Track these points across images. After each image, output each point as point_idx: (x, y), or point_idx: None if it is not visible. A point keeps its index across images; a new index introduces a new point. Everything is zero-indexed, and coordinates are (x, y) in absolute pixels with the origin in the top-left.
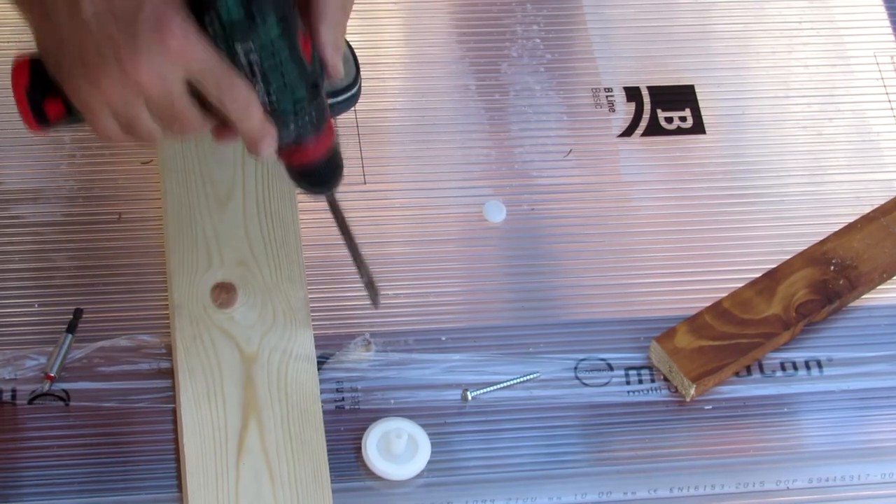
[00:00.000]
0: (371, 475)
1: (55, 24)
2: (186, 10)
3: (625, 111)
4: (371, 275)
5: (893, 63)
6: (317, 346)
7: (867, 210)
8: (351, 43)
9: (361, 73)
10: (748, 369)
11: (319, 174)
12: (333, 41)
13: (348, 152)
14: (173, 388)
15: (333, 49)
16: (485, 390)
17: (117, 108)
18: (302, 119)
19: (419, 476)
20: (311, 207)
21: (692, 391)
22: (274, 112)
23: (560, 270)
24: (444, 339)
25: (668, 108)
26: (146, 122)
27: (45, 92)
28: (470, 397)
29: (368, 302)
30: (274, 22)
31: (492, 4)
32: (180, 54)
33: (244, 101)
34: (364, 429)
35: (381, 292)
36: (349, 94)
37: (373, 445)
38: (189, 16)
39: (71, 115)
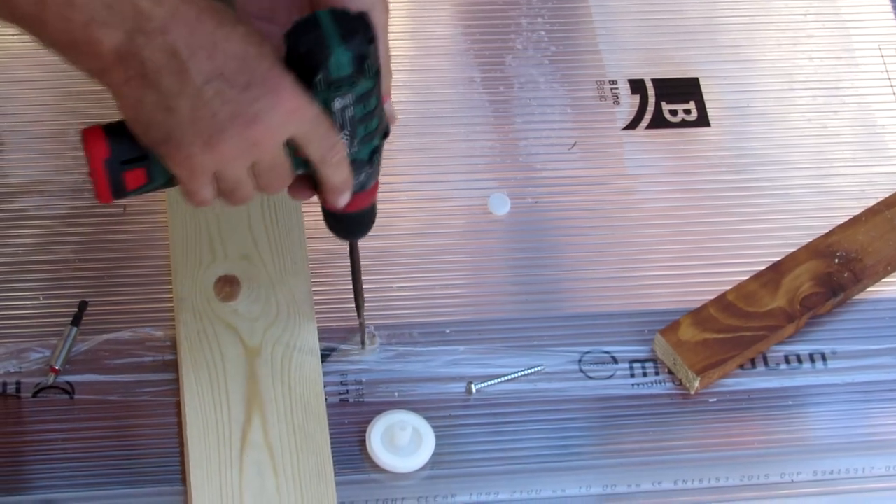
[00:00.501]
0: (375, 468)
1: (162, 95)
2: (282, 63)
3: (629, 104)
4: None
5: None
6: (320, 339)
7: (872, 203)
8: None
9: None
10: (752, 362)
11: (360, 221)
12: (389, 89)
13: None
14: (177, 381)
15: (390, 97)
16: (489, 383)
17: (227, 172)
18: (371, 167)
19: (423, 468)
20: (315, 200)
21: (696, 384)
22: (352, 162)
23: (564, 263)
24: (448, 331)
25: (673, 100)
26: (247, 185)
27: (124, 162)
28: (474, 390)
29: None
30: (373, 74)
31: None
32: (294, 114)
33: (341, 156)
34: (368, 422)
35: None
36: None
37: (377, 438)
38: (284, 67)
39: (151, 182)
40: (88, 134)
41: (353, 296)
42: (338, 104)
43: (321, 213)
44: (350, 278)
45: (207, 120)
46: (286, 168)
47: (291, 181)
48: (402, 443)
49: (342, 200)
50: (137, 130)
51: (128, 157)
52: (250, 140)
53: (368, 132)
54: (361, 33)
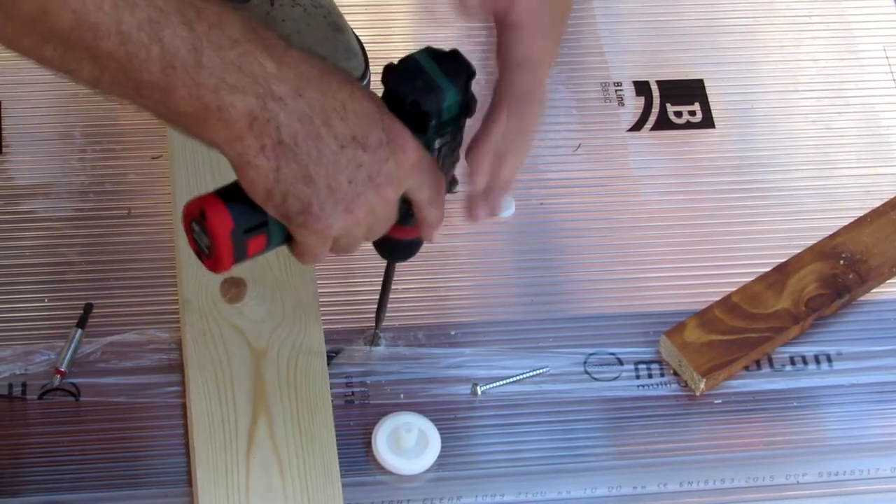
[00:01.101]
0: (381, 469)
1: (298, 163)
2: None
3: (634, 105)
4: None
5: None
6: (326, 341)
7: (877, 204)
8: (361, 37)
9: (371, 67)
10: (758, 363)
11: (412, 247)
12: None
13: None
14: (183, 382)
15: None
16: (494, 385)
17: (354, 232)
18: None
19: (429, 470)
20: None
21: (702, 385)
22: None
23: (569, 265)
24: (453, 333)
25: (678, 102)
26: (360, 240)
27: (246, 231)
28: (479, 392)
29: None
30: (466, 111)
31: None
32: (416, 168)
33: (443, 196)
34: (374, 423)
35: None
36: None
37: (383, 440)
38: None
39: (269, 246)
40: (209, 206)
41: (361, 293)
42: (438, 143)
43: None
44: (359, 275)
45: (345, 187)
46: (395, 217)
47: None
48: (408, 445)
49: (436, 234)
50: (268, 201)
51: (250, 225)
52: (382, 200)
53: (454, 162)
54: (465, 73)
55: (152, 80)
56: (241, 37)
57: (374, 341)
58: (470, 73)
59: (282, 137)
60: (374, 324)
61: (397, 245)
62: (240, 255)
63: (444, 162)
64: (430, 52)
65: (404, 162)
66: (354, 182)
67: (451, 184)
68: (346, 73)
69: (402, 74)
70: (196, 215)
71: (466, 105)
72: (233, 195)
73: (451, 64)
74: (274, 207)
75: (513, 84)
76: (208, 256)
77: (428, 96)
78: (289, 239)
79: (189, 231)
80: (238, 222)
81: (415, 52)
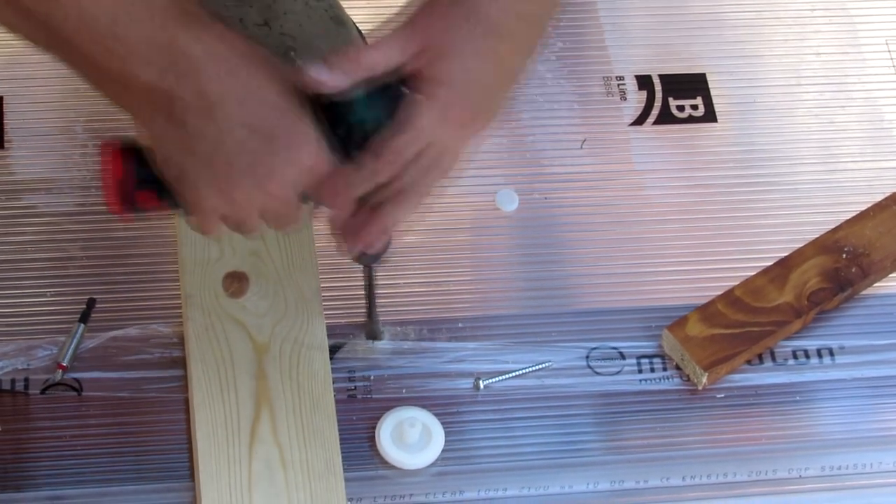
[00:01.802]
0: (384, 464)
1: (186, 134)
2: (313, 119)
3: (636, 99)
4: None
5: None
6: (329, 336)
7: (879, 198)
8: (363, 30)
9: None
10: (760, 357)
11: (374, 255)
12: None
13: None
14: (185, 377)
15: None
16: (497, 379)
17: (236, 215)
18: None
19: (432, 465)
20: None
21: (704, 379)
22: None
23: (572, 259)
24: (456, 327)
25: (680, 96)
26: (255, 222)
27: (137, 182)
28: (482, 386)
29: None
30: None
31: None
32: (312, 170)
33: (343, 205)
34: (377, 417)
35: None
36: None
37: (386, 434)
38: (317, 126)
39: (162, 206)
40: (109, 149)
41: (363, 288)
42: (355, 153)
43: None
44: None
45: (223, 164)
46: (296, 211)
47: (296, 213)
48: (412, 439)
49: (352, 247)
50: (157, 163)
51: (141, 178)
52: (263, 191)
53: None
54: (389, 95)
55: (68, 38)
56: (162, 12)
57: (375, 336)
58: (396, 99)
59: (175, 109)
60: (377, 310)
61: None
62: (131, 205)
63: None
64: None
65: (293, 159)
66: (234, 166)
67: None
68: (270, 64)
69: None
70: (102, 155)
71: (382, 127)
72: (135, 148)
73: (384, 86)
74: (161, 171)
75: (389, 139)
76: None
77: (342, 106)
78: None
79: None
80: (128, 174)
81: None
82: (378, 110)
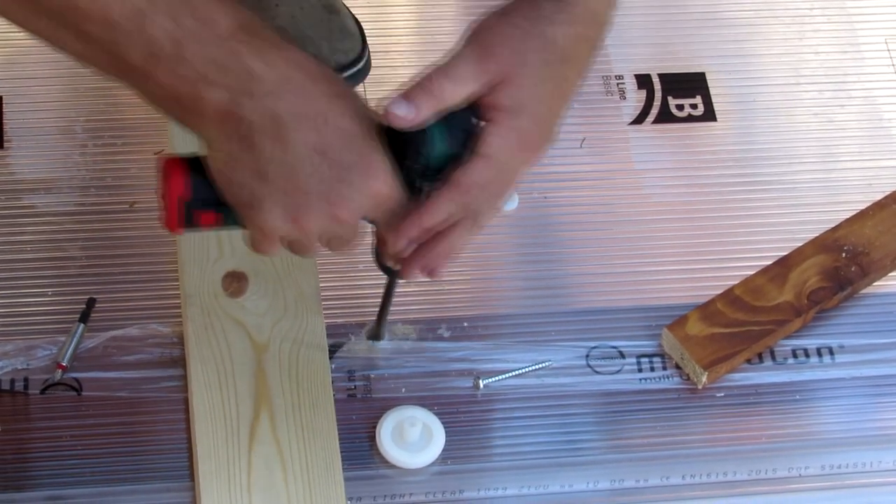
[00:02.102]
0: (384, 463)
1: (258, 158)
2: (385, 150)
3: (636, 98)
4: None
5: None
6: (328, 335)
7: (879, 197)
8: (359, 17)
9: (372, 56)
10: (760, 356)
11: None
12: None
13: None
14: (185, 377)
15: None
16: (497, 378)
17: (302, 241)
18: None
19: (432, 464)
20: None
21: (704, 378)
22: None
23: (572, 258)
24: (455, 326)
25: (679, 95)
26: (314, 246)
27: (198, 200)
28: (482, 385)
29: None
30: (459, 161)
31: None
32: (383, 199)
33: (420, 228)
34: (376, 417)
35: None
36: (357, 67)
37: (387, 434)
38: (388, 156)
39: (223, 225)
40: (171, 167)
41: (363, 287)
42: (425, 188)
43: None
44: (361, 269)
45: (296, 192)
46: (355, 236)
47: (355, 238)
48: (412, 438)
49: (409, 273)
50: (223, 185)
51: (204, 198)
52: (333, 219)
53: None
54: (462, 126)
55: (135, 64)
56: (229, 35)
57: (378, 336)
58: (468, 129)
59: (248, 133)
60: (375, 318)
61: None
62: (188, 223)
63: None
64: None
65: (366, 189)
66: (308, 194)
67: None
68: (343, 88)
69: None
70: (162, 171)
71: (458, 160)
72: (198, 166)
73: (454, 115)
74: (227, 193)
75: (465, 170)
76: (163, 213)
77: (414, 135)
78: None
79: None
80: (192, 193)
81: None
82: (449, 141)
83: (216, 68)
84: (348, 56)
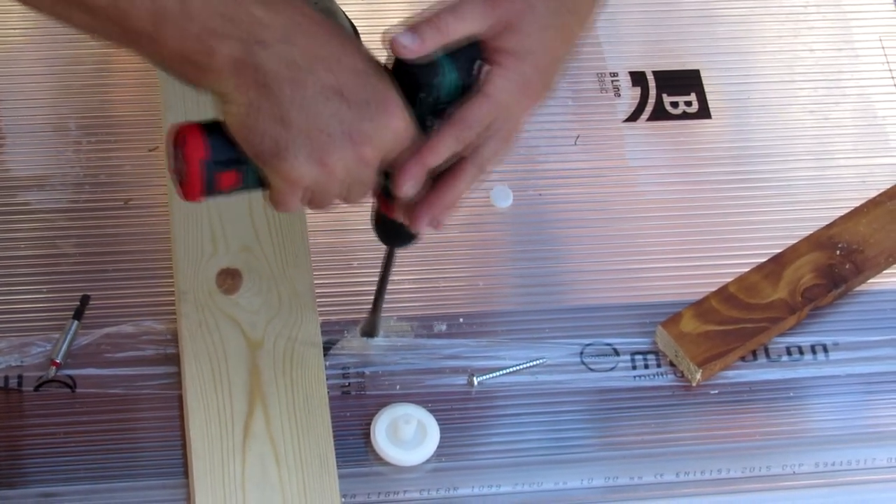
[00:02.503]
0: (378, 460)
1: (279, 104)
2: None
3: (630, 96)
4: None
5: None
6: (322, 332)
7: (873, 194)
8: (354, 22)
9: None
10: (754, 354)
11: (411, 233)
12: None
13: None
14: (179, 374)
15: None
16: (491, 375)
17: (326, 186)
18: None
19: (427, 462)
20: None
21: (698, 376)
22: None
23: (566, 255)
24: (450, 323)
25: (674, 92)
26: (337, 194)
27: (218, 163)
28: (476, 383)
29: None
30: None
31: None
32: (401, 135)
33: (420, 178)
34: (370, 414)
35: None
36: None
37: (382, 431)
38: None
39: (243, 186)
40: (187, 132)
41: (357, 284)
42: (430, 122)
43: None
44: (355, 266)
45: (320, 136)
46: (373, 181)
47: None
48: (407, 436)
49: (413, 212)
50: (244, 138)
51: (224, 158)
52: (357, 157)
53: None
54: (468, 56)
55: (142, 29)
56: None
57: (372, 332)
58: (474, 57)
59: (264, 80)
60: (370, 314)
61: (392, 225)
62: (210, 187)
63: None
64: None
65: (386, 125)
66: (332, 135)
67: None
68: (343, 29)
69: None
70: (176, 139)
71: (467, 88)
72: (214, 127)
73: (460, 50)
74: (249, 146)
75: (467, 107)
76: (181, 183)
77: (424, 68)
78: (264, 185)
79: (171, 156)
80: (212, 153)
81: None
82: (458, 72)
83: (224, 21)
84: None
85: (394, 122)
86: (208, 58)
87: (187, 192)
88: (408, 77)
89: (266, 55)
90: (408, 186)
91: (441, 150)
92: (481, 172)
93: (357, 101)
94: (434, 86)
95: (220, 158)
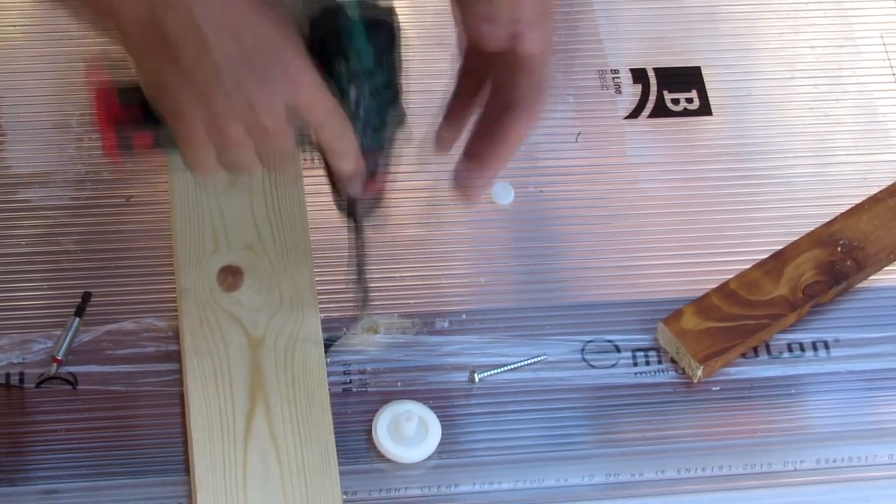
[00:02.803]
0: (380, 457)
1: (181, 69)
2: (306, 51)
3: (631, 93)
4: (367, 289)
5: None
6: (323, 329)
7: (874, 191)
8: None
9: None
10: (755, 350)
11: (367, 206)
12: None
13: None
14: (180, 371)
15: None
16: (492, 372)
17: (226, 130)
18: (383, 157)
19: (430, 458)
20: (318, 190)
21: (699, 372)
22: (363, 149)
23: (567, 252)
24: (451, 320)
25: (675, 89)
26: (248, 159)
27: (133, 123)
28: (477, 379)
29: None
30: (391, 69)
31: None
32: (308, 102)
33: (341, 133)
34: (372, 411)
35: (370, 301)
36: None
37: (383, 428)
38: (308, 56)
39: (157, 146)
40: (102, 93)
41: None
42: (353, 95)
43: (324, 201)
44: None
45: (219, 102)
46: (286, 135)
47: (292, 151)
48: (409, 433)
49: (353, 186)
50: (151, 98)
51: (138, 119)
52: (257, 125)
53: (381, 122)
54: (386, 28)
55: None
56: None
57: (364, 302)
58: (390, 29)
59: (168, 43)
60: (372, 304)
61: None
62: (125, 146)
63: (366, 117)
64: (361, 2)
65: (291, 93)
66: (231, 99)
67: (383, 142)
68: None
69: (324, 13)
70: (95, 100)
71: (381, 61)
72: (131, 89)
73: (376, 18)
74: (156, 106)
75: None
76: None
77: (337, 36)
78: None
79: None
80: (127, 115)
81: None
82: (370, 39)
83: None
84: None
85: (301, 90)
86: (115, 17)
87: (105, 150)
88: (322, 46)
89: (171, 19)
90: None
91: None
92: (534, 109)
93: (261, 69)
94: (349, 53)
95: (133, 120)
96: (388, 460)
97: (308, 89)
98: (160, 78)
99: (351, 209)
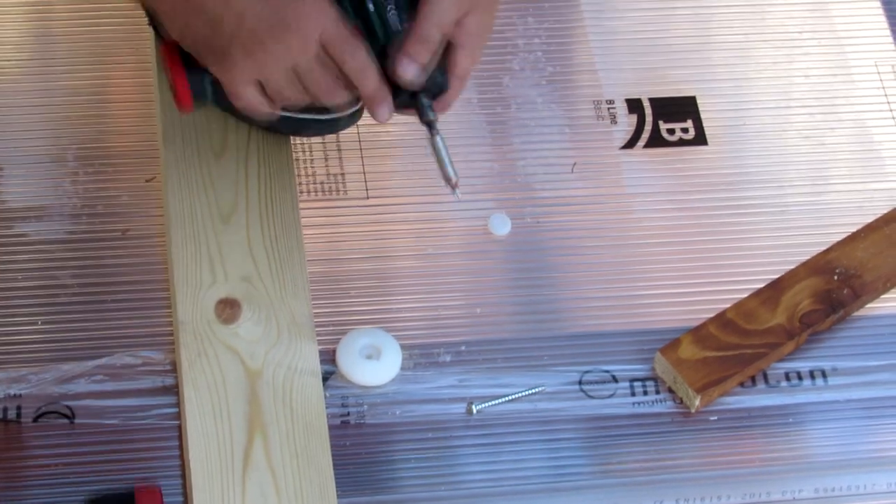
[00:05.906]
0: (380, 490)
1: (206, 18)
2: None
3: (627, 123)
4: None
5: (894, 72)
6: (321, 361)
7: (870, 219)
8: None
9: None
10: (753, 380)
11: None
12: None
13: (351, 167)
14: (178, 404)
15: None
16: (490, 403)
17: (269, 76)
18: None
19: (428, 490)
20: (315, 223)
21: (697, 402)
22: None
23: (564, 282)
24: (448, 352)
25: (670, 119)
26: (292, 89)
27: (196, 74)
28: (475, 411)
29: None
30: None
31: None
32: (316, 18)
33: (362, 62)
34: (370, 444)
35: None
36: (353, 109)
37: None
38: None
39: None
40: (167, 45)
41: (356, 314)
42: (380, 32)
43: (321, 233)
44: (353, 295)
45: (245, 32)
46: (324, 74)
47: (337, 91)
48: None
49: (381, 112)
50: (191, 51)
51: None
52: (287, 49)
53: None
54: None
55: None
56: None
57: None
58: None
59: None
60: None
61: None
62: (201, 94)
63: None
64: None
65: (303, 10)
66: (257, 33)
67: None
68: None
69: None
70: (163, 61)
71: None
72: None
73: None
74: (197, 57)
75: None
76: (175, 97)
77: None
78: None
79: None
80: (192, 62)
81: None
82: None
83: None
84: None
85: (308, 9)
86: None
87: (181, 103)
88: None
89: None
90: (404, 74)
91: (422, 37)
92: (476, 52)
93: (276, 3)
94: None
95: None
96: (389, 491)
97: (312, 6)
98: (192, 31)
99: (421, 113)
